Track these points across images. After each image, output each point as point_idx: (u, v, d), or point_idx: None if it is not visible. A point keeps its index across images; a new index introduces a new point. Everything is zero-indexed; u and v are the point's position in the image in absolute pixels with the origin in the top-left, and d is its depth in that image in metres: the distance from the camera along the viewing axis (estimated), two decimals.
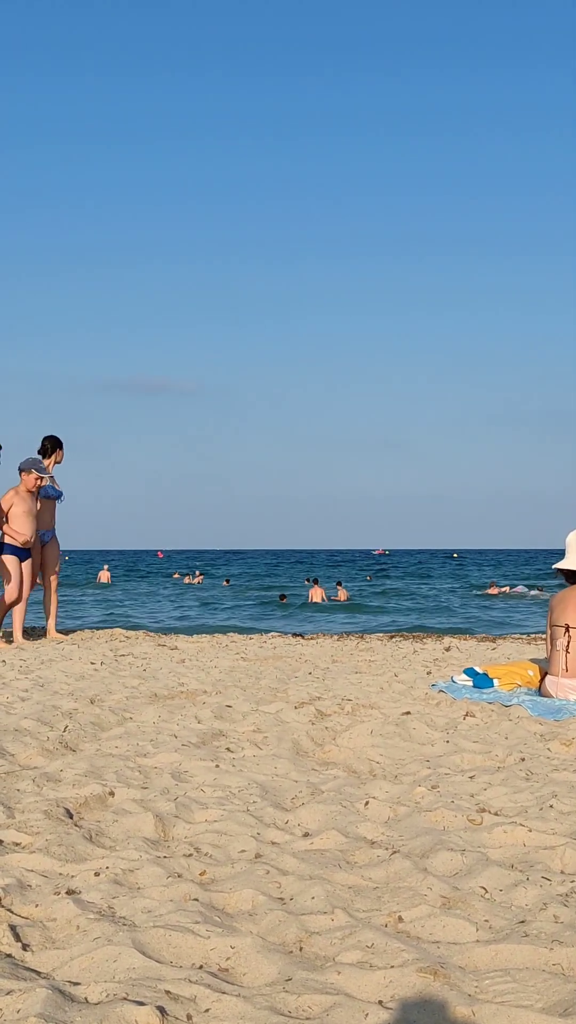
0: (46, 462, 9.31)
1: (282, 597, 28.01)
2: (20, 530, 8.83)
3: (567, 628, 5.39)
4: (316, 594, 26.95)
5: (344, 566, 62.59)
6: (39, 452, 9.41)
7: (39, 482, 8.96)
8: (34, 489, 8.97)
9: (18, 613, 9.04)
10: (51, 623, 9.65)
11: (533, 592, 31.30)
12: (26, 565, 8.98)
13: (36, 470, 8.94)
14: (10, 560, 8.88)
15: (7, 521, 8.81)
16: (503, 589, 32.51)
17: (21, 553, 8.93)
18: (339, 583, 30.67)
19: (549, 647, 5.62)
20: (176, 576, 43.99)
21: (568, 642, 5.38)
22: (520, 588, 32.91)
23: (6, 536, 8.86)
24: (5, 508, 8.80)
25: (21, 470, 8.97)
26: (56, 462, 9.48)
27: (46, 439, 9.45)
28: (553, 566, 5.77)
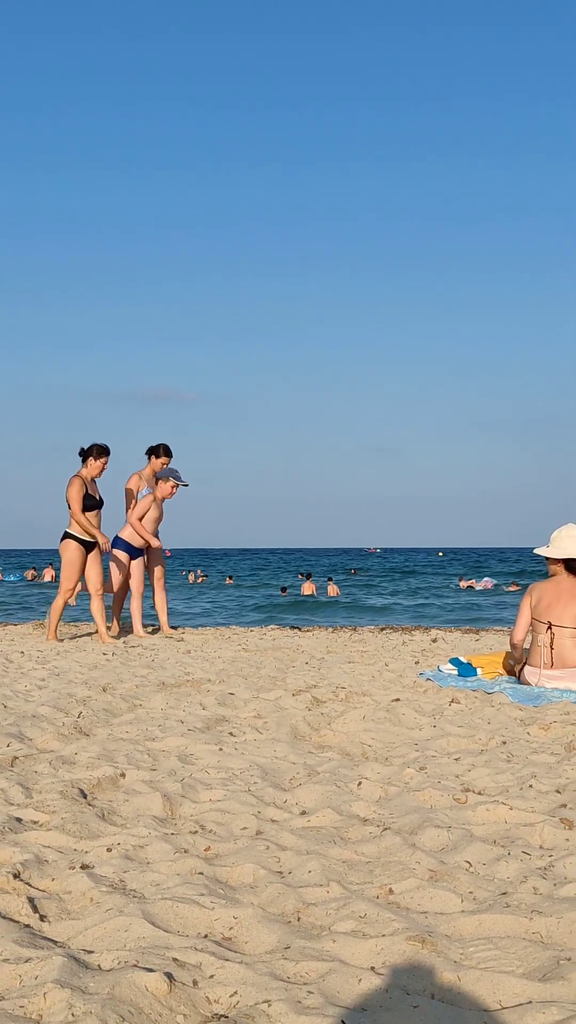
0: (157, 463, 8.97)
1: (283, 590, 28.03)
2: (151, 532, 8.75)
3: (550, 625, 5.35)
4: (307, 588, 26.95)
5: (320, 565, 62.58)
6: (148, 453, 9.02)
7: (174, 490, 8.85)
8: (169, 496, 8.84)
9: (135, 608, 8.94)
10: (164, 619, 9.37)
11: (504, 586, 31.37)
12: (137, 563, 8.82)
13: (173, 478, 8.80)
14: (122, 555, 8.75)
15: (132, 522, 8.69)
16: (477, 583, 32.51)
17: (134, 552, 8.80)
18: (330, 579, 30.67)
19: (522, 635, 5.55)
20: (183, 573, 43.98)
21: (551, 639, 5.34)
22: (486, 581, 32.88)
23: (122, 532, 8.71)
24: (142, 512, 8.67)
25: (158, 478, 8.78)
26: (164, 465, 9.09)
27: (161, 445, 9.02)
28: (549, 552, 5.47)
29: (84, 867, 2.46)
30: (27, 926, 2.09)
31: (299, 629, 10.42)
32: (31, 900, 2.21)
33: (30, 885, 2.33)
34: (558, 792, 3.13)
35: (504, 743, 3.94)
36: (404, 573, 46.07)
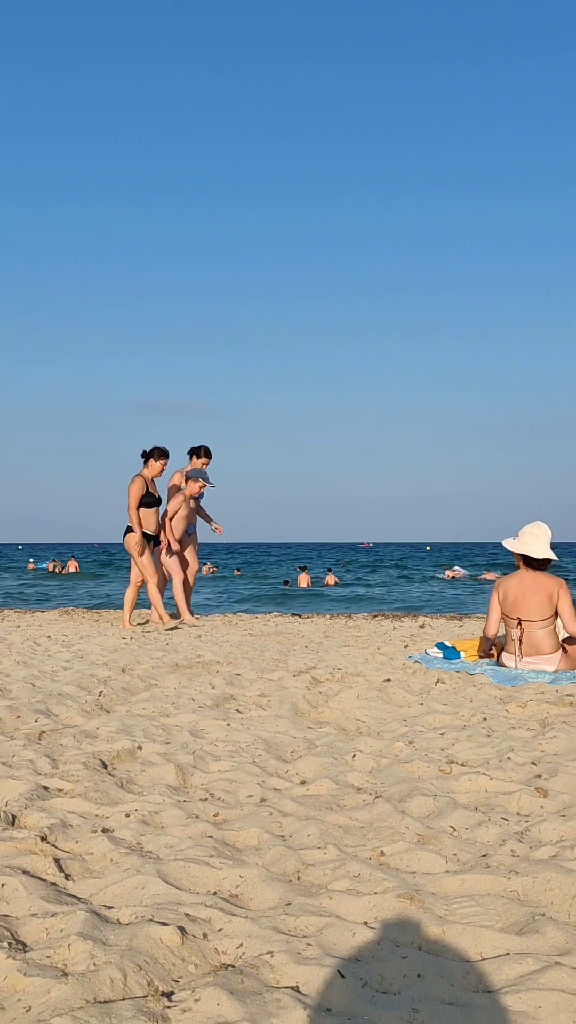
0: (198, 463, 8.90)
1: (285, 583, 27.99)
2: (177, 533, 8.68)
3: (520, 621, 5.30)
4: (303, 580, 26.91)
5: (317, 559, 62.49)
6: (189, 453, 8.95)
7: (201, 489, 8.77)
8: (196, 494, 8.80)
9: (179, 594, 8.86)
10: (186, 605, 9.24)
11: (478, 575, 31.42)
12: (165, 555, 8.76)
13: (203, 479, 8.76)
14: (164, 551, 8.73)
15: (171, 521, 8.65)
16: (460, 573, 32.53)
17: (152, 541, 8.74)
18: (329, 570, 30.65)
19: (494, 630, 5.50)
20: None
21: (521, 634, 5.30)
22: (460, 571, 32.85)
23: (163, 534, 8.64)
24: (172, 511, 8.65)
25: (188, 478, 8.74)
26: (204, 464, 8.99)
27: (202, 447, 8.93)
28: (512, 546, 5.39)
29: (105, 831, 2.46)
30: (53, 884, 2.10)
31: (299, 616, 10.41)
32: (57, 861, 2.21)
33: (56, 847, 2.33)
34: (534, 764, 3.13)
35: (485, 719, 3.94)
36: (394, 565, 46.02)
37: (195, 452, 8.98)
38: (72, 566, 37.20)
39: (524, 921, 1.88)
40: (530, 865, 2.17)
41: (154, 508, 8.43)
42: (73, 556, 42.79)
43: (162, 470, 8.46)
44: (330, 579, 28.26)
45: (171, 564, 8.71)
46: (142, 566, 8.34)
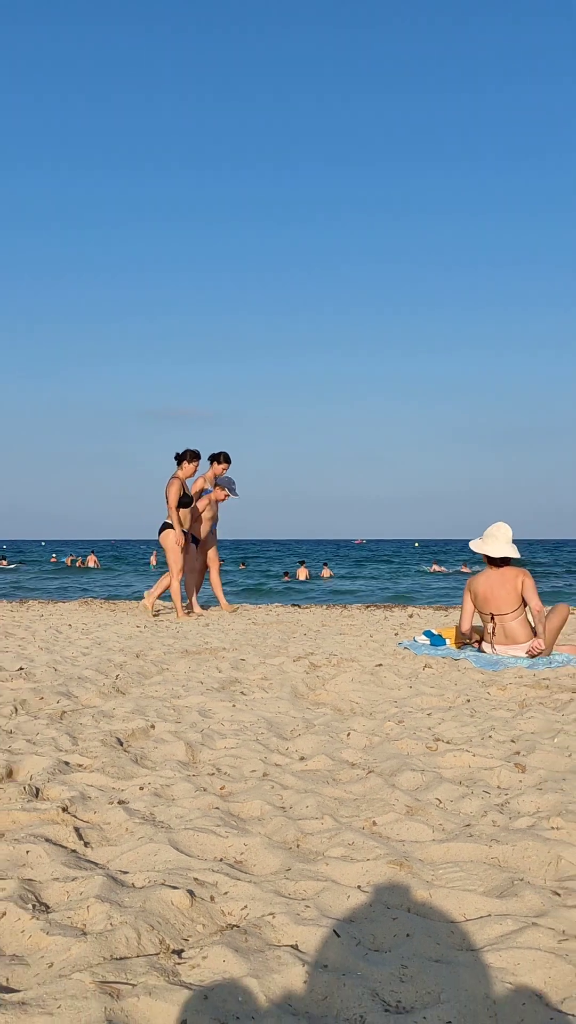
0: (218, 468, 8.81)
1: (285, 575, 27.97)
2: (203, 533, 8.67)
3: (492, 616, 5.29)
4: (302, 573, 26.88)
5: (314, 554, 62.36)
6: (210, 459, 8.84)
7: (225, 497, 8.74)
8: (222, 500, 8.76)
9: (190, 587, 8.84)
10: (221, 595, 9.28)
11: (459, 568, 31.43)
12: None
13: (228, 488, 8.72)
14: (192, 548, 8.72)
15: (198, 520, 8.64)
16: (445, 568, 32.52)
17: (196, 541, 8.75)
18: (325, 563, 30.62)
19: (467, 626, 5.48)
20: None
21: (494, 627, 5.29)
22: (437, 567, 32.83)
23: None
24: (200, 509, 8.63)
25: (217, 484, 8.70)
26: (224, 470, 8.91)
27: (221, 453, 8.85)
28: (475, 547, 5.35)
29: (121, 802, 2.47)
30: (73, 851, 2.10)
31: (298, 606, 10.41)
32: (77, 830, 2.22)
33: (76, 817, 2.34)
34: (513, 742, 3.14)
35: (468, 701, 3.94)
36: (386, 560, 45.96)
37: (215, 458, 8.93)
38: (91, 561, 37.18)
39: (504, 885, 1.88)
40: (510, 834, 2.17)
41: (189, 507, 8.42)
42: (92, 551, 42.77)
43: (194, 471, 8.44)
44: (326, 572, 28.23)
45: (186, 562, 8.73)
46: (172, 560, 8.29)
